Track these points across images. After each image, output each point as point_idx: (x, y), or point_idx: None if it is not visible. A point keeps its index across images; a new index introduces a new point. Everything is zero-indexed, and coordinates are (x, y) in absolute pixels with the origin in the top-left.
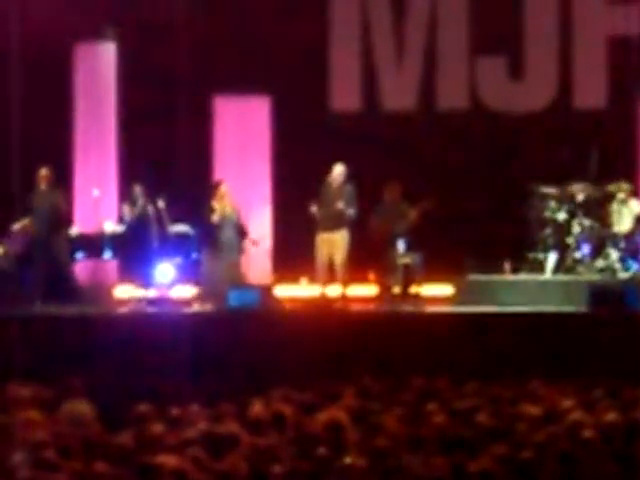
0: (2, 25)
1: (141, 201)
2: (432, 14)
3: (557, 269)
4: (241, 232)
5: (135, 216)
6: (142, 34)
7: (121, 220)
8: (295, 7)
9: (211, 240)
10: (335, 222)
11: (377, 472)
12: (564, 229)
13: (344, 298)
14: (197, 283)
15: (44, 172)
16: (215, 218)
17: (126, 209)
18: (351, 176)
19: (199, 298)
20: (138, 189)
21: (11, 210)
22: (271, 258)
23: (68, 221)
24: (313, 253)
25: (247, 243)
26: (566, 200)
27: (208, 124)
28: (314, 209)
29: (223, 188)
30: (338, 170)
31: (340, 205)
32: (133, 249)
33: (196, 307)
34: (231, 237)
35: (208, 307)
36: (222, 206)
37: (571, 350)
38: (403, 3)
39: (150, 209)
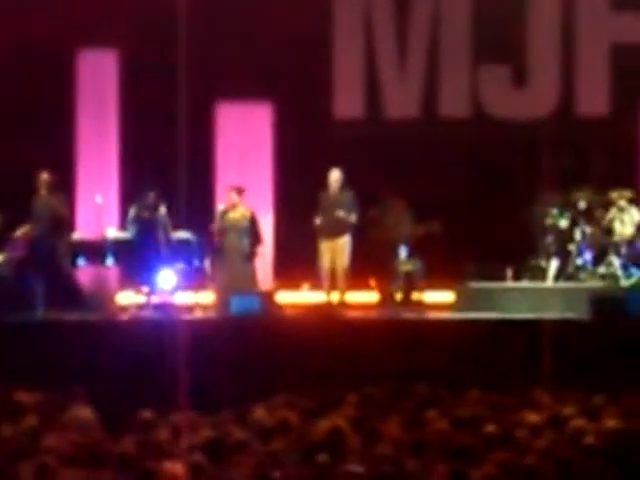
0: (5, 28)
1: (150, 208)
2: (435, 22)
3: (559, 276)
4: (254, 239)
5: (144, 222)
6: (143, 39)
7: (125, 224)
8: (298, 13)
9: (212, 247)
10: (336, 229)
11: (377, 478)
12: (566, 236)
13: (343, 304)
14: (205, 289)
15: (44, 176)
16: (214, 225)
17: (132, 212)
18: (352, 183)
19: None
20: (152, 196)
21: (13, 216)
22: (273, 264)
23: (69, 226)
24: (314, 259)
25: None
26: (568, 207)
27: (210, 130)
28: (317, 221)
29: (232, 195)
30: (334, 176)
31: (340, 213)
32: (138, 255)
33: (198, 313)
34: (235, 243)
35: (210, 313)
36: (228, 212)
37: (573, 357)
38: (406, 11)
39: (158, 216)
